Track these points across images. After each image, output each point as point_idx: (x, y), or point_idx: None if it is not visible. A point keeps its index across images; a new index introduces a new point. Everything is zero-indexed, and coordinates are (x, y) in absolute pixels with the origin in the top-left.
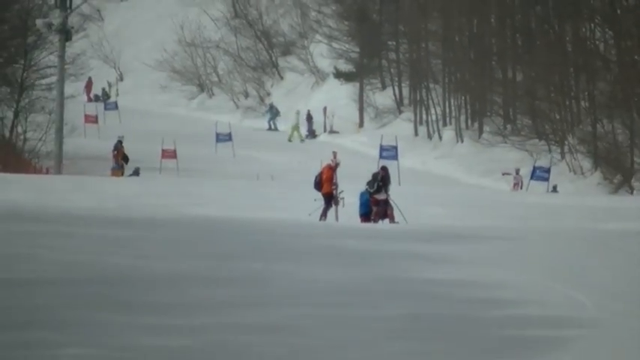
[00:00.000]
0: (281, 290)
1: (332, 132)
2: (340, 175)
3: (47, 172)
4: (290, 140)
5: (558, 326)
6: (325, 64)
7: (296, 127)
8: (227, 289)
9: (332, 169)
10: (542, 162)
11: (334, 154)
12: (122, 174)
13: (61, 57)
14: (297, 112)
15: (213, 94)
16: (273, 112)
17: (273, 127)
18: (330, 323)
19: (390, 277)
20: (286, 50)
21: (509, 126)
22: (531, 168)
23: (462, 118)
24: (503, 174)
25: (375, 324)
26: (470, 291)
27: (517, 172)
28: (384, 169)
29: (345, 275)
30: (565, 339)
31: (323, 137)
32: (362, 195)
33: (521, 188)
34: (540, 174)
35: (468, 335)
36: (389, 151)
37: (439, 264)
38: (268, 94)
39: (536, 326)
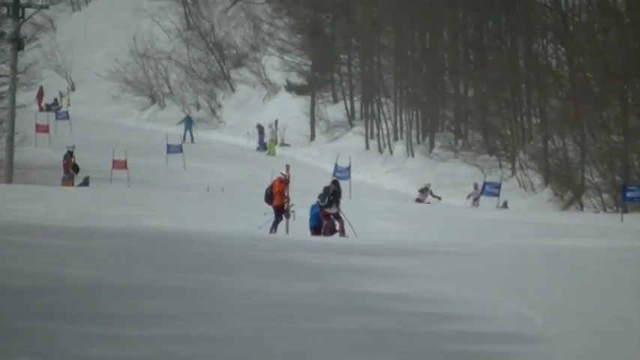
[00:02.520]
0: (230, 302)
1: (283, 145)
2: (291, 188)
3: None
4: (272, 154)
5: (508, 342)
6: (277, 76)
7: (274, 141)
8: (176, 301)
9: (283, 182)
10: (493, 177)
11: (287, 167)
12: (72, 184)
13: (13, 66)
14: (271, 126)
15: (164, 106)
16: (188, 123)
17: (191, 138)
18: (279, 336)
19: (340, 291)
20: (238, 62)
21: (460, 141)
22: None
23: (413, 132)
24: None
25: (325, 337)
26: (420, 306)
27: (475, 187)
28: (336, 182)
29: (295, 288)
30: (514, 355)
31: (274, 150)
32: (312, 208)
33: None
34: (490, 189)
35: (418, 350)
36: (342, 173)
37: (390, 278)
38: (220, 106)
39: (486, 342)
